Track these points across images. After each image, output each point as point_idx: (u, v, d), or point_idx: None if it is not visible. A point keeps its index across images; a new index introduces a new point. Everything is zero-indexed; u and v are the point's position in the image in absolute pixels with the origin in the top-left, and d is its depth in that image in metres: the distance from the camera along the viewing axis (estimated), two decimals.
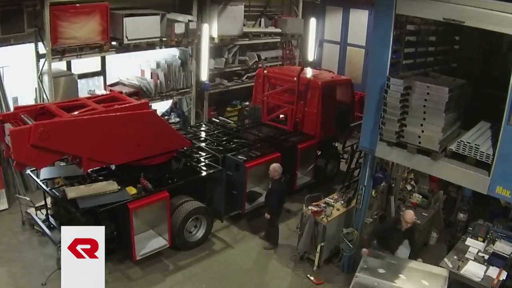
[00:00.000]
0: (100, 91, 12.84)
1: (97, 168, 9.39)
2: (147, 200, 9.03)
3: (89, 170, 8.94)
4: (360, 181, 9.05)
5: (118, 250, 9.26)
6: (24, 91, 11.86)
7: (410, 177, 10.94)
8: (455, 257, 8.46)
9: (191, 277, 9.29)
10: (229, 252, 10.25)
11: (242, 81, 16.23)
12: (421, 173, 10.67)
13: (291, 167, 11.89)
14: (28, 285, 8.73)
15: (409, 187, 10.83)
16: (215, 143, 11.60)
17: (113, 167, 9.60)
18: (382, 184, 9.40)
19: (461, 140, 7.32)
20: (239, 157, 10.87)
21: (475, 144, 7.15)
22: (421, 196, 10.63)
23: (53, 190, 9.30)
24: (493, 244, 8.78)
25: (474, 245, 8.81)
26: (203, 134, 12.37)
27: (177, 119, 14.32)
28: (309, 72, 13.66)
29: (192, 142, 11.17)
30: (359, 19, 17.93)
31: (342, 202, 9.87)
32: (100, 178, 9.42)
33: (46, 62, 11.08)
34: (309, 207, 9.59)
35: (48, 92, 11.20)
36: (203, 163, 10.50)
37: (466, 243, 8.90)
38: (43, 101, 11.23)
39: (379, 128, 7.81)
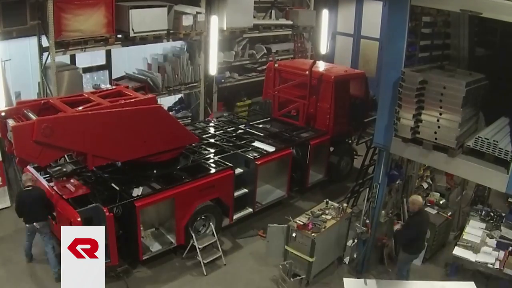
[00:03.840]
0: (106, 85, 12.65)
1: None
2: (154, 198, 8.82)
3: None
4: (375, 179, 8.84)
5: (124, 249, 8.99)
6: (27, 85, 11.71)
7: (427, 175, 10.69)
8: (466, 244, 8.43)
9: (200, 277, 9.12)
10: (238, 252, 10.05)
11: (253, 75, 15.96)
12: (438, 170, 10.37)
13: (303, 164, 11.66)
14: (29, 284, 8.64)
15: (425, 185, 10.61)
16: (225, 139, 11.36)
17: (119, 164, 9.39)
18: (397, 182, 9.17)
19: (479, 136, 7.10)
20: (250, 153, 10.64)
21: (494, 141, 6.95)
22: (439, 195, 10.35)
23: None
24: (500, 230, 8.78)
25: (479, 233, 8.80)
26: (212, 130, 12.12)
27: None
28: (321, 66, 13.35)
29: (200, 138, 10.94)
30: (373, 10, 17.57)
31: (334, 212, 9.10)
32: (106, 175, 9.24)
33: (49, 55, 10.89)
34: (295, 220, 8.82)
35: (52, 86, 11.01)
36: (212, 160, 10.25)
37: (471, 231, 8.86)
38: (46, 96, 11.08)
39: (394, 124, 7.65)
